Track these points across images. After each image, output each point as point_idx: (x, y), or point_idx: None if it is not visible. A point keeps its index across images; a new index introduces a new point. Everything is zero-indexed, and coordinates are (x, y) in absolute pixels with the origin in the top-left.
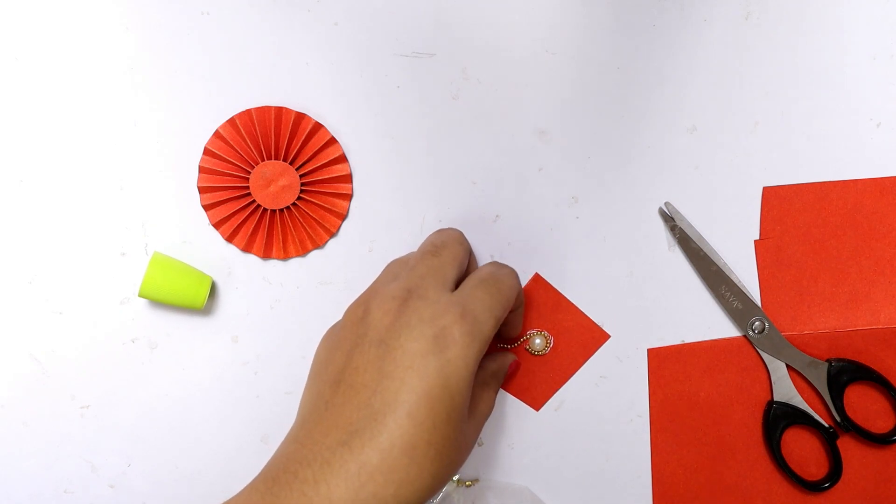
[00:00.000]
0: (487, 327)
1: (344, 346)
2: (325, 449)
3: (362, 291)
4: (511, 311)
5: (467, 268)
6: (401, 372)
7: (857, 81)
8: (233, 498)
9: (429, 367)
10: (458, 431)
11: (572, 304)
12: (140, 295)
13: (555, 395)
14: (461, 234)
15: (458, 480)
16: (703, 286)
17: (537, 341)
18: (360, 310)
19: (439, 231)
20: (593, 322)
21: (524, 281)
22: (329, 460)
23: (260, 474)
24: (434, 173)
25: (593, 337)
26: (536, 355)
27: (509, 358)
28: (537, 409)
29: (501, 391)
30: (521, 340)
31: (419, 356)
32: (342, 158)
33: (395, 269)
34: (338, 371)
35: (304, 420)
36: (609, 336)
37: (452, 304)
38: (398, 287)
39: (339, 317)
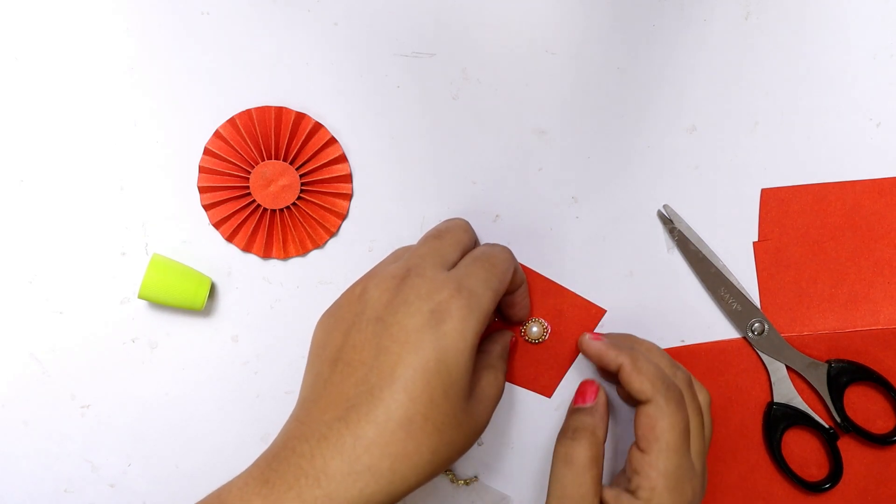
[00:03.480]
0: (485, 300)
1: (341, 325)
2: (322, 425)
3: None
4: (514, 291)
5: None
6: (397, 347)
7: (857, 81)
8: (237, 476)
9: (424, 341)
10: (458, 408)
11: (561, 286)
12: (139, 297)
13: (555, 392)
14: (467, 223)
15: (456, 479)
16: (703, 288)
17: (534, 329)
18: (359, 288)
19: (446, 220)
20: (586, 300)
21: None
22: (326, 435)
23: (263, 453)
24: (434, 173)
25: (589, 314)
26: (536, 343)
27: (508, 335)
28: (549, 396)
29: (510, 385)
30: (521, 332)
31: (415, 331)
32: (342, 158)
33: (399, 253)
34: (336, 350)
35: (304, 399)
36: (605, 311)
37: (449, 279)
38: (397, 267)
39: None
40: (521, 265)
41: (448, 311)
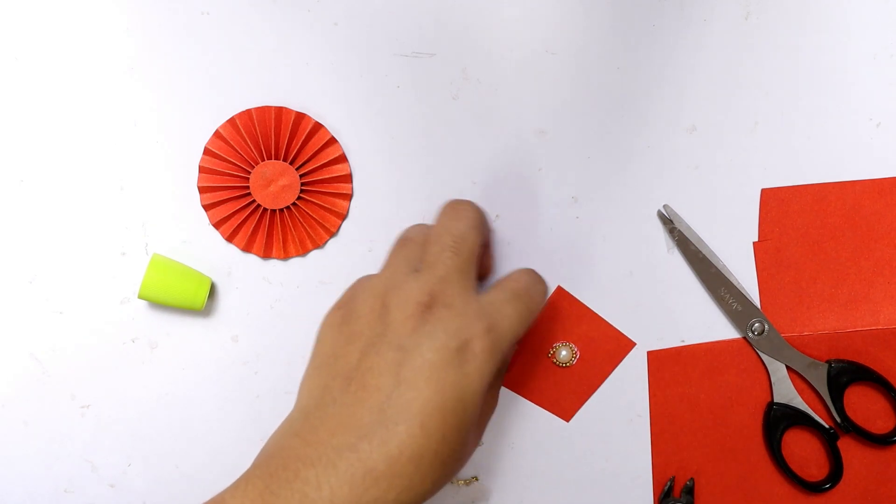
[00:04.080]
0: (507, 345)
1: (357, 341)
2: (330, 450)
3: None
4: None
5: (487, 244)
6: (420, 382)
7: (857, 81)
8: (227, 489)
9: (447, 380)
10: (466, 442)
11: (597, 314)
12: (139, 297)
13: (573, 418)
14: (479, 214)
15: (456, 479)
16: (703, 288)
17: (563, 353)
18: (378, 304)
19: (455, 208)
20: (618, 331)
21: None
22: (334, 462)
23: (256, 466)
24: (434, 173)
25: (619, 345)
26: (563, 367)
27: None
28: (567, 420)
29: (530, 404)
30: (549, 354)
31: (439, 368)
32: (342, 158)
33: (411, 253)
34: (350, 367)
35: (308, 414)
36: (635, 344)
37: (479, 316)
38: (421, 290)
39: None
40: (560, 288)
41: (473, 352)
